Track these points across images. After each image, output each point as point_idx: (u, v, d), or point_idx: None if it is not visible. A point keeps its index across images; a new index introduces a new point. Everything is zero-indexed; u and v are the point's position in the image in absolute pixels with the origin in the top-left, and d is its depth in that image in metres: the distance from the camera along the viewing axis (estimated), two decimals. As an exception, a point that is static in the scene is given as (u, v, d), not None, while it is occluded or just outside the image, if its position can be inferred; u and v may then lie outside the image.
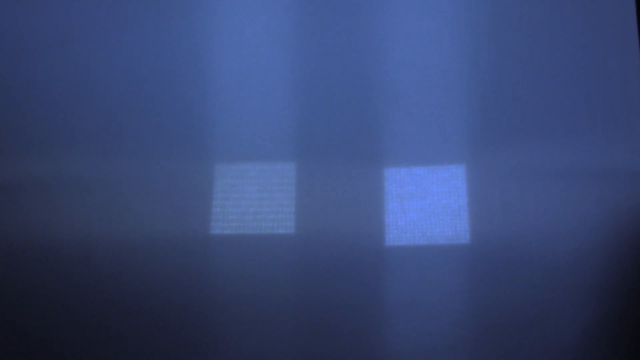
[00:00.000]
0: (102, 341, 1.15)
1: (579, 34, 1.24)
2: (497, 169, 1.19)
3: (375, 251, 1.17)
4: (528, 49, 1.24)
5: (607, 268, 1.14)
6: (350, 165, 1.20)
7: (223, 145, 1.21)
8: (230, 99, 1.23)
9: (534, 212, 1.17)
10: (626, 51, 1.23)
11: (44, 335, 1.12)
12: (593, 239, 1.15)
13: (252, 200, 1.20)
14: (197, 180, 1.18)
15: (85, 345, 1.14)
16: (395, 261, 1.17)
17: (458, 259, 1.16)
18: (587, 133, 1.19)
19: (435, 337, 1.13)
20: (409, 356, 1.13)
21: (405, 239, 1.19)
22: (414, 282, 1.16)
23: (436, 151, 1.21)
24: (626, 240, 1.14)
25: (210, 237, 1.18)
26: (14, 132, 1.23)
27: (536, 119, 1.21)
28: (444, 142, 1.21)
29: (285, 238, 1.17)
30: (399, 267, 1.17)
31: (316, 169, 1.20)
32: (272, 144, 1.21)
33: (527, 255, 1.15)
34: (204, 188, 1.18)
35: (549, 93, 1.22)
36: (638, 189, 1.17)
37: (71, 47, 1.11)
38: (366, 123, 1.20)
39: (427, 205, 1.20)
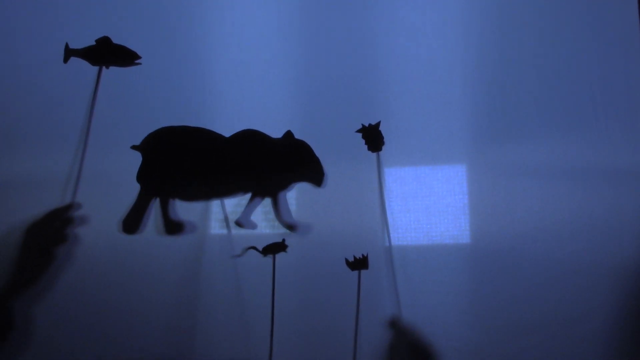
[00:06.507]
0: (99, 341, 1.15)
1: (583, 32, 1.22)
2: (501, 168, 1.18)
3: (377, 251, 1.16)
4: (531, 47, 1.22)
5: (612, 268, 1.13)
6: (351, 164, 1.19)
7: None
8: (229, 96, 1.22)
9: (538, 211, 1.16)
10: (629, 49, 1.21)
11: (42, 335, 1.12)
12: (597, 238, 1.14)
13: (253, 200, 1.19)
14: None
15: (82, 345, 1.14)
16: (397, 261, 1.16)
17: (461, 258, 1.16)
18: (591, 132, 1.18)
19: (438, 337, 1.12)
20: (411, 356, 1.12)
21: (407, 238, 1.18)
22: (416, 282, 1.15)
23: (439, 149, 1.20)
24: (631, 240, 1.14)
25: (210, 237, 1.18)
26: (13, 131, 1.22)
27: (540, 118, 1.19)
28: (447, 140, 1.20)
29: (286, 238, 1.16)
30: (401, 267, 1.16)
31: (317, 167, 1.19)
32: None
33: (530, 255, 1.14)
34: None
35: (553, 91, 1.20)
36: (643, 187, 1.16)
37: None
38: (368, 121, 1.19)
39: (429, 204, 1.19)
